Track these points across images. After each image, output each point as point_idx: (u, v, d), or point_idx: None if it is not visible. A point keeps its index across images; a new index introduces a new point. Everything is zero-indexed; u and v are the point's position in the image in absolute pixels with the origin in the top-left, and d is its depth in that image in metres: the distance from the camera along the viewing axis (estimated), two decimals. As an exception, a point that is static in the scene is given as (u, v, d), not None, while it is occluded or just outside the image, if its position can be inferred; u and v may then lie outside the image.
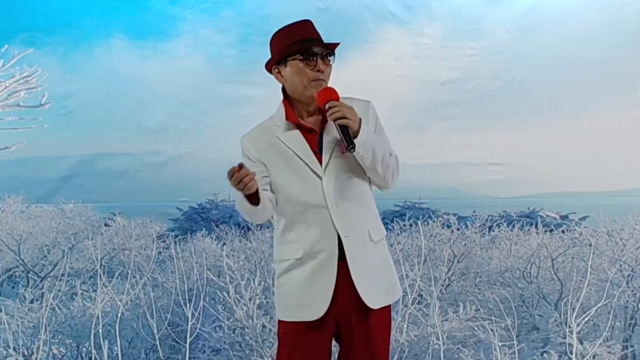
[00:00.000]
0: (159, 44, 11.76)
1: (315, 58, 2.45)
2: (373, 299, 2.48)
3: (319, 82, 2.45)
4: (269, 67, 2.57)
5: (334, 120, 2.37)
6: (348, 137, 2.36)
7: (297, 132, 2.49)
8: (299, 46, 2.45)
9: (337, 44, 2.49)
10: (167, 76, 11.64)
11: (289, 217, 2.50)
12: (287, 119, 2.50)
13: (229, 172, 2.31)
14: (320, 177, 2.45)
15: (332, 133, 2.48)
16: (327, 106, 2.38)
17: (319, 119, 2.52)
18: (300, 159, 2.46)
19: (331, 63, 2.50)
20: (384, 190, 2.59)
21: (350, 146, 2.36)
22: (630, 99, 10.97)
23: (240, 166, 2.32)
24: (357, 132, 2.37)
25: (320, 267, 2.46)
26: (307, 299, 2.47)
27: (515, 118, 11.34)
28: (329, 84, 2.50)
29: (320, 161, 2.46)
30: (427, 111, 11.17)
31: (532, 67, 11.36)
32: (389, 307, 2.60)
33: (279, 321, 2.59)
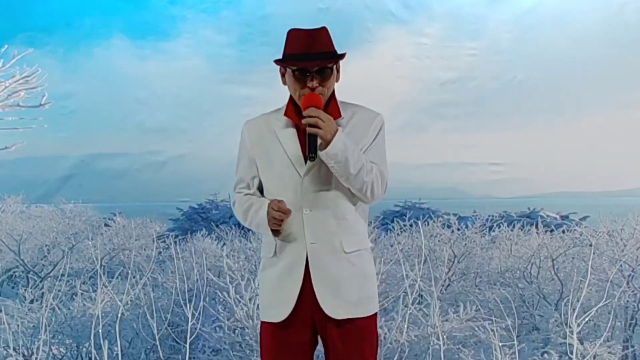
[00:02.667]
0: (159, 44, 11.75)
1: (308, 74, 2.42)
2: (333, 309, 2.44)
3: None
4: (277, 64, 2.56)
5: (306, 127, 2.37)
6: (313, 146, 2.36)
7: (293, 131, 2.49)
8: (292, 61, 2.43)
9: (336, 58, 2.45)
10: (167, 76, 11.63)
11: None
12: (285, 114, 2.51)
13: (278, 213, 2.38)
14: (301, 178, 2.44)
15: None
16: (304, 112, 2.38)
17: None
18: (288, 156, 2.46)
19: (331, 76, 2.45)
20: (367, 204, 2.56)
21: (311, 155, 2.36)
22: (630, 99, 10.96)
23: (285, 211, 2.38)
24: (329, 142, 2.35)
25: (289, 268, 2.46)
26: (274, 300, 2.50)
27: (516, 118, 11.32)
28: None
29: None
30: (427, 111, 11.16)
31: (532, 67, 11.35)
32: (368, 320, 2.52)
33: (260, 321, 2.65)
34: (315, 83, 2.41)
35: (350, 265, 2.47)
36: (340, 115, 2.48)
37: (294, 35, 2.47)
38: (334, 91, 2.52)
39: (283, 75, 2.52)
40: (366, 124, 2.50)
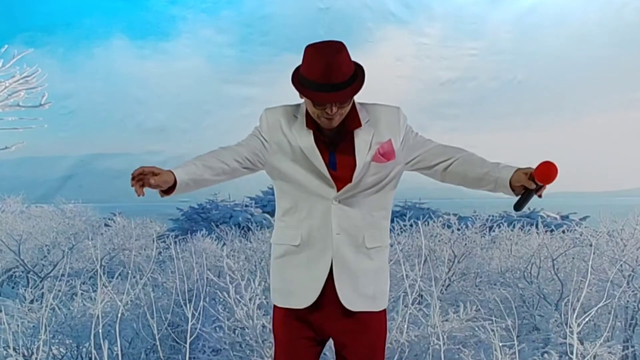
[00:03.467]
0: (159, 44, 11.75)
1: (326, 104, 2.38)
2: (351, 301, 2.46)
3: (328, 119, 2.41)
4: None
5: (529, 191, 2.42)
6: (526, 202, 2.47)
7: (311, 137, 2.45)
8: (311, 91, 2.38)
9: (354, 91, 2.40)
10: (167, 76, 11.63)
11: (291, 201, 2.49)
12: (307, 125, 2.46)
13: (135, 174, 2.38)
14: (329, 171, 2.42)
15: (364, 138, 2.45)
16: (539, 185, 2.42)
17: (336, 132, 2.47)
18: (313, 164, 2.43)
19: (349, 101, 2.42)
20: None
21: (517, 209, 2.49)
22: (630, 99, 10.96)
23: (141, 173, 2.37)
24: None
25: (315, 257, 2.45)
26: (298, 287, 2.48)
27: (516, 118, 11.33)
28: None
29: (330, 172, 2.43)
30: (427, 111, 11.16)
31: (532, 67, 11.35)
32: (380, 314, 2.55)
33: (274, 305, 2.60)
34: (334, 110, 2.37)
35: (369, 259, 2.48)
36: (359, 125, 2.46)
37: (313, 59, 2.39)
38: (353, 99, 2.48)
39: (300, 90, 2.47)
40: (395, 121, 2.51)
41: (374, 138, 2.46)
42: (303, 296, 2.47)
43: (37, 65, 7.29)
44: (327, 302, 2.47)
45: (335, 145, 2.46)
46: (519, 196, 2.41)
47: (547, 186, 2.36)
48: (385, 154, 2.45)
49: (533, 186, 2.35)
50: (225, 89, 11.36)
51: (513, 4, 11.61)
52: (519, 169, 2.36)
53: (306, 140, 2.45)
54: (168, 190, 2.35)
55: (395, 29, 11.51)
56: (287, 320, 2.52)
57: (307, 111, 2.48)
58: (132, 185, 2.28)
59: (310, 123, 2.47)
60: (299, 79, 2.44)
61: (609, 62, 10.94)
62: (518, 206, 2.43)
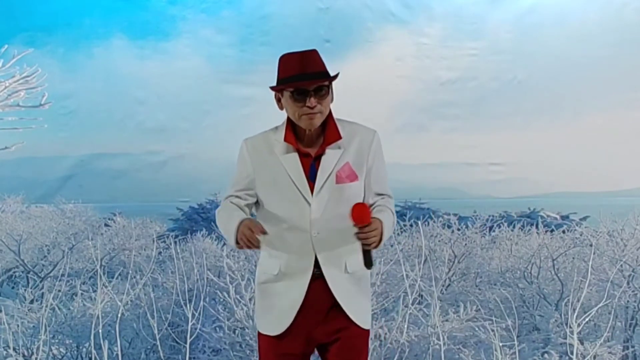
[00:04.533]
0: (159, 44, 11.77)
1: (306, 94, 2.45)
2: (355, 312, 2.54)
3: (309, 116, 2.46)
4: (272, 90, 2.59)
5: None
6: (369, 259, 2.46)
7: (295, 155, 2.52)
8: (289, 82, 2.47)
9: (332, 78, 2.48)
10: (167, 76, 11.64)
11: (272, 232, 2.53)
12: (285, 139, 2.53)
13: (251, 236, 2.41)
14: (309, 204, 2.49)
15: (328, 161, 2.51)
16: (358, 230, 2.42)
17: (317, 144, 2.54)
18: (293, 182, 2.49)
19: (328, 94, 2.49)
20: None
21: (369, 267, 2.48)
22: (630, 99, 10.98)
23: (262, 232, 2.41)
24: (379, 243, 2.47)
25: (293, 284, 2.53)
26: (273, 315, 2.56)
27: (516, 118, 11.34)
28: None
29: (311, 187, 2.50)
30: (427, 111, 11.18)
31: (532, 67, 11.36)
32: (366, 333, 2.62)
33: (258, 332, 2.68)
34: (314, 101, 2.44)
35: (356, 280, 2.57)
36: (339, 137, 2.52)
37: (287, 59, 2.51)
38: (330, 111, 2.54)
39: (279, 100, 2.55)
40: (366, 144, 2.56)
41: (341, 158, 2.52)
42: (276, 324, 2.55)
43: (37, 65, 7.28)
44: (317, 313, 2.54)
45: (316, 157, 2.53)
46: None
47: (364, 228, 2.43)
48: (348, 177, 2.52)
49: (356, 230, 2.43)
50: (225, 89, 11.38)
51: (513, 4, 11.62)
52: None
53: (289, 157, 2.53)
54: None
55: (395, 29, 11.52)
56: (268, 343, 2.60)
57: (286, 124, 2.56)
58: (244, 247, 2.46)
59: (290, 134, 2.53)
60: (277, 83, 2.53)
61: (609, 62, 10.95)
62: (365, 262, 2.48)
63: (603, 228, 5.77)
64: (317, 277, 2.51)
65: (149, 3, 11.88)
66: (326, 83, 2.49)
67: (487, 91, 11.44)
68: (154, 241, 6.87)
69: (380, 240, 2.46)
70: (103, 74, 11.63)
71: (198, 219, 11.05)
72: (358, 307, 2.56)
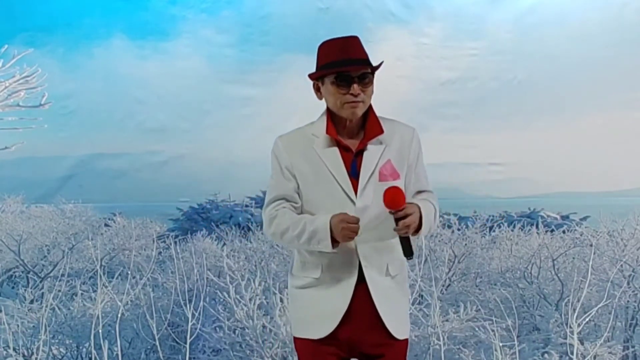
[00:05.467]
0: (159, 44, 11.77)
1: (350, 81, 2.34)
2: (395, 327, 2.42)
3: (352, 104, 2.36)
4: (312, 78, 2.47)
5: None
6: (408, 248, 2.31)
7: (335, 150, 2.39)
8: (332, 68, 2.35)
9: (377, 66, 2.39)
10: (167, 76, 11.64)
11: None
12: (327, 132, 2.40)
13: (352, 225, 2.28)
14: (353, 202, 2.37)
15: (371, 157, 2.40)
16: (394, 216, 2.28)
17: (357, 140, 2.42)
18: (335, 179, 2.37)
19: (371, 84, 2.38)
20: None
21: (409, 257, 2.34)
22: (630, 99, 10.97)
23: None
24: (418, 229, 2.34)
25: (337, 288, 2.41)
26: (316, 318, 2.43)
27: (516, 118, 11.34)
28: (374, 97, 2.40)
29: (354, 185, 2.38)
30: (427, 111, 11.18)
31: (532, 67, 11.36)
32: (406, 343, 2.51)
33: (293, 336, 2.56)
34: (357, 89, 2.33)
35: (398, 286, 2.47)
36: (381, 131, 2.41)
37: (328, 45, 2.39)
38: (371, 105, 2.43)
39: (318, 90, 2.43)
40: (407, 141, 2.46)
41: (383, 155, 2.41)
42: (320, 327, 2.42)
43: (37, 65, 7.27)
44: (361, 321, 2.42)
45: (357, 153, 2.41)
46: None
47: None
48: (391, 175, 2.41)
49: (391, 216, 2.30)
50: (225, 89, 11.36)
51: (513, 4, 11.62)
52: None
53: (329, 152, 2.41)
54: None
55: (395, 29, 11.53)
56: (308, 348, 2.48)
57: (326, 115, 2.44)
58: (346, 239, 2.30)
59: (331, 127, 2.42)
60: (317, 70, 2.41)
61: (609, 62, 10.95)
62: (404, 252, 2.33)
63: (603, 228, 5.77)
64: (361, 282, 2.39)
65: (149, 3, 11.88)
66: (370, 71, 2.38)
67: (487, 91, 11.45)
68: (154, 241, 6.87)
69: (420, 227, 2.32)
70: (103, 74, 11.63)
71: (198, 219, 11.05)
72: (400, 319, 2.46)
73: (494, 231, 6.90)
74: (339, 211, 2.34)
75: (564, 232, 6.79)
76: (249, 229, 8.11)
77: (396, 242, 2.38)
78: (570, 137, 10.88)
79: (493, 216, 7.60)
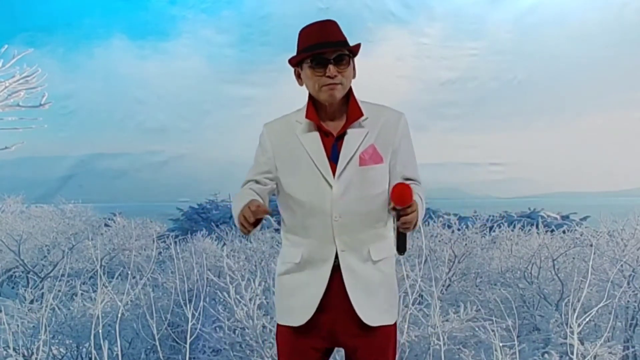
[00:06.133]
0: (159, 44, 11.75)
1: (326, 63, 2.36)
2: (369, 316, 2.41)
3: (330, 86, 2.37)
4: (291, 64, 2.50)
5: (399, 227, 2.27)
6: (404, 244, 2.29)
7: (316, 135, 2.42)
8: (308, 52, 2.38)
9: (355, 47, 2.40)
10: (167, 76, 11.63)
11: (293, 219, 2.46)
12: (306, 116, 2.43)
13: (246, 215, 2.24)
14: (330, 186, 2.38)
15: (351, 141, 2.40)
16: (398, 211, 2.24)
17: (339, 124, 2.44)
18: (314, 163, 2.39)
19: (349, 65, 2.39)
20: None
21: (402, 253, 2.31)
22: (630, 99, 10.96)
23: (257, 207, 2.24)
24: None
25: (315, 274, 2.42)
26: (295, 305, 2.45)
27: (516, 118, 11.33)
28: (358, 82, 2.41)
29: (333, 169, 2.39)
30: (427, 111, 11.16)
31: (532, 67, 11.35)
32: (390, 328, 2.50)
33: (277, 324, 2.58)
34: (334, 70, 2.35)
35: (379, 272, 2.45)
36: (361, 114, 2.42)
37: (306, 30, 2.43)
38: (352, 89, 2.45)
39: (299, 76, 2.46)
40: (392, 125, 2.46)
41: (366, 139, 2.41)
42: (300, 314, 2.43)
43: (37, 65, 7.28)
44: (338, 308, 2.42)
45: (338, 137, 2.42)
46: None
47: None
48: (372, 159, 2.41)
49: (393, 212, 2.26)
50: (225, 89, 11.36)
51: (513, 4, 11.61)
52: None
53: (310, 136, 2.42)
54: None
55: (395, 29, 11.52)
56: (290, 337, 2.49)
57: (307, 101, 2.46)
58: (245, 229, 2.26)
59: (312, 111, 2.44)
60: (294, 59, 2.44)
61: (609, 62, 10.94)
62: (397, 248, 2.29)
63: (603, 228, 5.77)
64: (339, 268, 2.39)
65: (149, 3, 11.87)
66: (346, 52, 2.39)
67: (487, 91, 11.43)
68: (154, 241, 6.86)
69: (416, 223, 2.29)
70: (103, 74, 11.62)
71: (198, 219, 11.04)
72: (378, 306, 2.43)
73: (494, 231, 6.90)
74: (316, 196, 2.37)
75: (564, 232, 6.79)
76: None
77: (379, 226, 2.39)
78: (570, 137, 10.87)
79: (493, 216, 7.59)
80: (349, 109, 2.44)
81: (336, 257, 2.40)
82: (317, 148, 2.41)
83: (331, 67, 2.36)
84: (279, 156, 2.46)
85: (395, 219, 2.27)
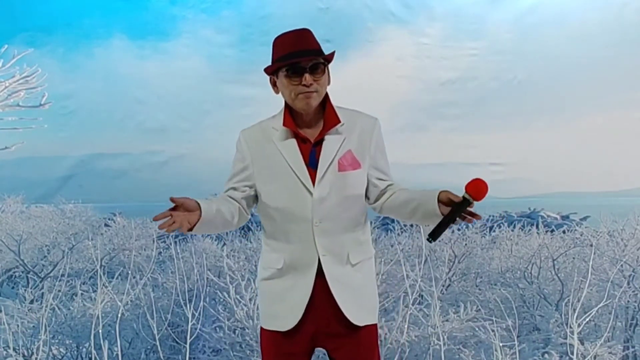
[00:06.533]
0: (159, 44, 11.77)
1: (302, 72, 2.38)
2: (356, 316, 2.46)
3: (306, 95, 2.39)
4: (267, 73, 2.52)
5: (451, 214, 2.30)
6: (440, 233, 2.33)
7: (293, 142, 2.44)
8: (284, 61, 2.40)
9: (329, 56, 2.42)
10: (167, 76, 11.64)
11: (273, 225, 2.49)
12: (284, 124, 2.46)
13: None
14: (310, 193, 2.41)
15: (329, 147, 2.43)
16: (459, 205, 2.27)
17: (316, 131, 2.46)
18: (293, 171, 2.42)
19: (324, 73, 2.42)
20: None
21: (435, 240, 2.35)
22: (630, 99, 10.97)
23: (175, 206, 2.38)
24: None
25: (298, 280, 2.46)
26: (282, 310, 2.49)
27: (516, 118, 11.34)
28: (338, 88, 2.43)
29: (312, 175, 2.42)
30: (427, 111, 11.18)
31: (532, 67, 11.36)
32: (374, 327, 2.55)
33: (260, 328, 2.62)
34: (309, 78, 2.37)
35: (359, 274, 2.49)
36: (338, 121, 2.45)
37: (280, 39, 2.45)
38: (328, 95, 2.48)
39: (274, 84, 2.48)
40: (368, 131, 2.49)
41: (343, 145, 2.44)
42: (286, 319, 2.47)
43: (37, 65, 7.28)
44: (323, 311, 2.46)
45: (316, 144, 2.45)
46: (440, 220, 2.32)
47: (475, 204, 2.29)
48: (351, 165, 2.44)
49: (460, 200, 2.27)
50: (225, 89, 11.37)
51: (513, 4, 11.62)
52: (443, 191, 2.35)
53: (287, 143, 2.45)
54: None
55: (395, 29, 11.53)
56: (276, 341, 2.53)
57: (284, 108, 2.48)
58: (165, 228, 2.38)
59: (289, 118, 2.46)
60: (270, 68, 2.47)
61: (609, 62, 10.95)
62: (433, 234, 2.32)
63: (603, 228, 5.77)
64: (322, 272, 2.43)
65: (149, 3, 11.88)
66: (322, 61, 2.42)
67: (487, 91, 11.45)
68: (154, 241, 6.86)
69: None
70: (103, 74, 11.63)
71: (198, 219, 11.04)
72: (362, 306, 2.48)
73: (494, 231, 6.90)
74: (296, 202, 2.41)
75: (564, 232, 6.79)
76: (249, 229, 8.09)
77: (358, 229, 2.45)
78: (570, 137, 10.88)
79: (493, 216, 7.60)
80: (326, 115, 2.46)
81: (319, 261, 2.43)
82: (295, 155, 2.43)
83: (307, 75, 2.38)
84: (256, 163, 2.48)
85: (452, 210, 2.29)
